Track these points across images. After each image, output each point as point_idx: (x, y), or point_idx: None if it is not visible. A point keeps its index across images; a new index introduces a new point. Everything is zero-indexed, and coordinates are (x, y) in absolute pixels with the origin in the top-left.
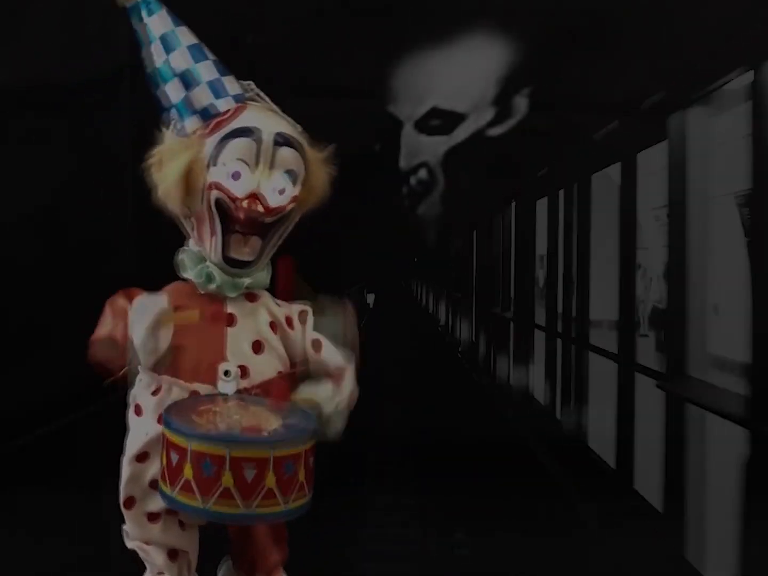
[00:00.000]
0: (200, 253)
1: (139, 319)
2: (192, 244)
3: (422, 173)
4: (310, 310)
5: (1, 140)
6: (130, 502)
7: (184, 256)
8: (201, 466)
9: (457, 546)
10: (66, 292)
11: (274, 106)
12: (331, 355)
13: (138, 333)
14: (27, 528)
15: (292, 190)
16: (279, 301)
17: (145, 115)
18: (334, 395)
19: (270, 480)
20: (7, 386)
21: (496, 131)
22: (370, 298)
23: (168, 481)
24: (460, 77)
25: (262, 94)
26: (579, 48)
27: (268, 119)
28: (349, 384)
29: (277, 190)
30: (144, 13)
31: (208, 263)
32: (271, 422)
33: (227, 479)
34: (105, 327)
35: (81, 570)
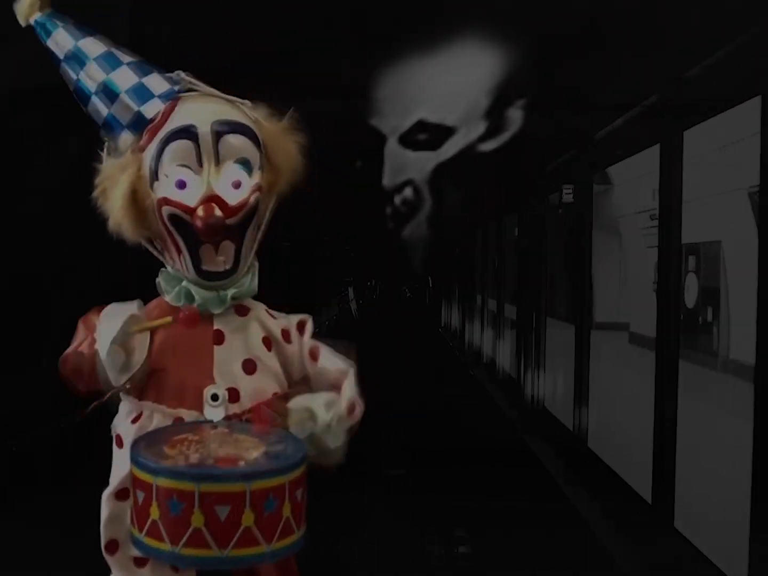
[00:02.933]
0: (177, 274)
1: (105, 328)
2: (168, 266)
3: (408, 192)
4: (310, 319)
5: (1, 140)
6: (112, 546)
7: (161, 279)
8: (168, 504)
9: (456, 546)
10: (65, 295)
11: (212, 90)
12: (331, 361)
13: (103, 344)
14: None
15: (250, 181)
16: (275, 313)
17: None
18: (331, 402)
19: (247, 518)
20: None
21: (488, 146)
22: (353, 306)
23: (136, 524)
24: (449, 87)
25: (194, 80)
26: (575, 53)
27: (202, 110)
28: (349, 389)
29: (233, 185)
30: (42, 36)
31: (184, 283)
32: (252, 451)
33: (197, 519)
34: (73, 343)
35: None
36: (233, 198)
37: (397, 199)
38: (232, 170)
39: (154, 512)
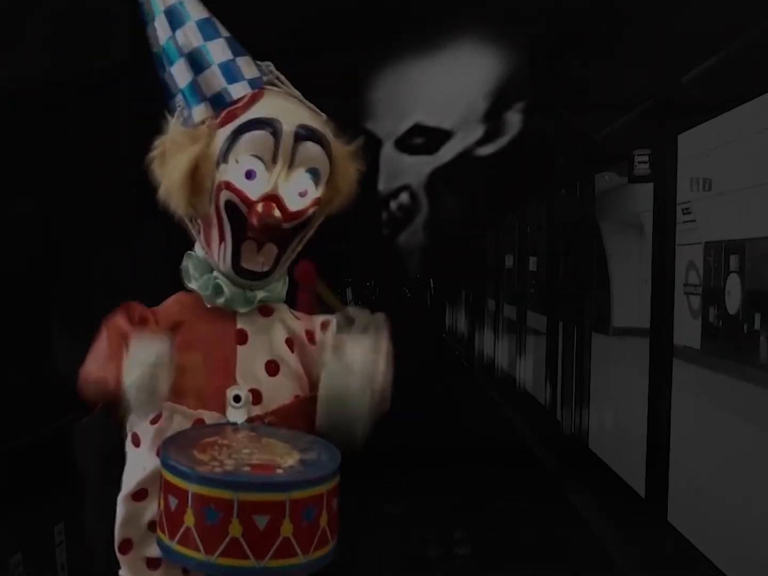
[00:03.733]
0: (207, 261)
1: (133, 365)
2: (198, 250)
3: (404, 197)
4: (334, 320)
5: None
6: (126, 546)
7: (188, 264)
8: (204, 512)
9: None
10: (64, 296)
11: (297, 92)
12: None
13: (130, 381)
14: None
15: (315, 192)
16: (298, 314)
17: (145, 114)
18: (364, 382)
19: (286, 528)
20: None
21: (486, 150)
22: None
23: (166, 530)
24: (446, 89)
25: (282, 77)
26: (575, 54)
27: (288, 108)
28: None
29: (298, 191)
30: None
31: (215, 273)
32: (286, 458)
33: (235, 528)
34: (96, 362)
35: None
36: (295, 204)
37: (393, 205)
38: (302, 177)
39: (189, 519)
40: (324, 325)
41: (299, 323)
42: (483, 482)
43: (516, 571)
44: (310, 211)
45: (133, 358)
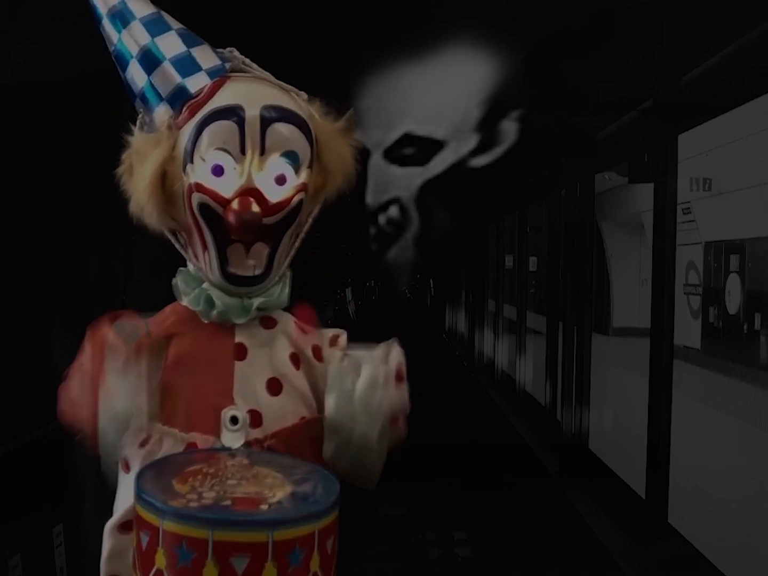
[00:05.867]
0: (198, 274)
1: (114, 380)
2: (190, 264)
3: (393, 210)
4: (344, 333)
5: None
6: None
7: (179, 280)
8: (176, 552)
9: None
10: (63, 296)
11: (266, 74)
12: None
13: (110, 397)
14: None
15: (297, 178)
16: (305, 326)
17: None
18: (374, 399)
19: (269, 572)
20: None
21: (479, 161)
22: (351, 308)
23: (139, 570)
24: (438, 97)
25: (248, 61)
26: (575, 54)
27: (252, 92)
28: (396, 354)
29: (275, 179)
30: None
31: (206, 285)
32: (276, 490)
33: (210, 571)
34: (75, 381)
35: None
36: (275, 194)
37: (382, 218)
38: (278, 163)
39: (160, 560)
40: (333, 340)
41: (306, 337)
42: (483, 482)
43: (515, 571)
44: (295, 199)
45: (112, 371)
